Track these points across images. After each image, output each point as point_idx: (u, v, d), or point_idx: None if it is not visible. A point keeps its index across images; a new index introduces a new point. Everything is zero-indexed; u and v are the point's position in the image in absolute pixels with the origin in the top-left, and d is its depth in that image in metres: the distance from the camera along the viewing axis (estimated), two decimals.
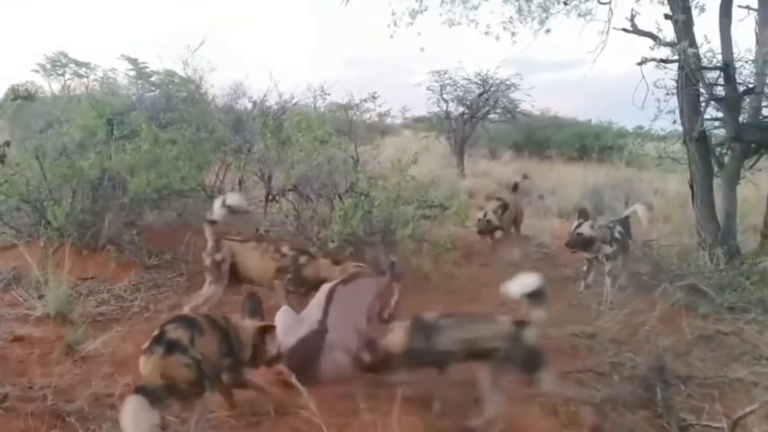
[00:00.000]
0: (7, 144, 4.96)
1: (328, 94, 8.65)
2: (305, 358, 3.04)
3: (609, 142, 15.90)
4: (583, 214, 4.81)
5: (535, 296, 2.77)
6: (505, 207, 6.19)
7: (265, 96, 7.55)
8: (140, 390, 2.15)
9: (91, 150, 5.38)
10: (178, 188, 5.34)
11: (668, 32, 5.31)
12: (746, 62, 5.48)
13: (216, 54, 12.98)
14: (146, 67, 7.80)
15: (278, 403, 2.81)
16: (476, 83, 12.74)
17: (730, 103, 5.25)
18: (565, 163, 13.97)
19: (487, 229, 6.09)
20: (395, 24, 6.53)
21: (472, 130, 13.36)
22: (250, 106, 7.92)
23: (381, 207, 4.85)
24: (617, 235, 4.82)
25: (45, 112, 7.90)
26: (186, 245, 4.92)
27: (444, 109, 13.18)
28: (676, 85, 5.42)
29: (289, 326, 3.16)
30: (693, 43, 5.12)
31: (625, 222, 5.09)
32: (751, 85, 5.38)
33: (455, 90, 12.93)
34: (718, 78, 5.35)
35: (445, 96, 13.01)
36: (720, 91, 5.33)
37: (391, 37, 6.58)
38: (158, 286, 4.50)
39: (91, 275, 4.43)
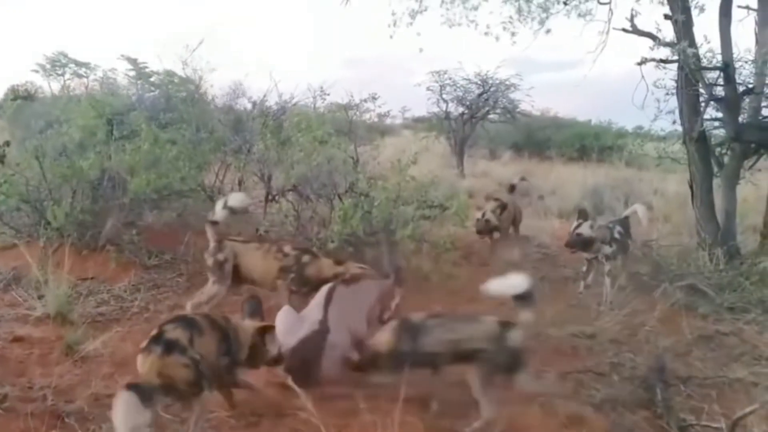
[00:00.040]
0: (7, 144, 4.98)
1: (328, 95, 8.68)
2: (307, 358, 3.03)
3: (609, 143, 15.88)
4: (583, 215, 4.81)
5: (523, 298, 2.76)
6: (503, 207, 6.20)
7: (264, 96, 7.54)
8: (132, 387, 2.15)
9: (91, 150, 5.37)
10: (178, 188, 5.34)
11: (668, 32, 5.33)
12: (746, 62, 5.49)
13: (216, 54, 12.97)
14: (146, 67, 7.77)
15: (276, 405, 2.80)
16: (476, 83, 12.75)
17: (730, 104, 5.25)
18: (564, 164, 13.96)
19: (485, 229, 6.11)
20: (395, 24, 6.54)
21: (472, 130, 13.36)
22: (249, 106, 7.90)
23: (381, 207, 4.84)
24: (617, 236, 4.81)
25: (45, 112, 7.86)
26: (186, 245, 4.93)
27: (444, 109, 13.20)
28: (675, 85, 5.43)
29: (290, 326, 3.15)
30: (693, 44, 5.12)
31: (624, 222, 5.08)
32: (750, 86, 5.38)
33: (455, 90, 12.95)
34: (717, 78, 5.35)
35: (444, 96, 13.04)
36: (720, 91, 5.33)
37: (391, 37, 6.59)
38: (158, 286, 4.50)
39: (90, 275, 4.42)
